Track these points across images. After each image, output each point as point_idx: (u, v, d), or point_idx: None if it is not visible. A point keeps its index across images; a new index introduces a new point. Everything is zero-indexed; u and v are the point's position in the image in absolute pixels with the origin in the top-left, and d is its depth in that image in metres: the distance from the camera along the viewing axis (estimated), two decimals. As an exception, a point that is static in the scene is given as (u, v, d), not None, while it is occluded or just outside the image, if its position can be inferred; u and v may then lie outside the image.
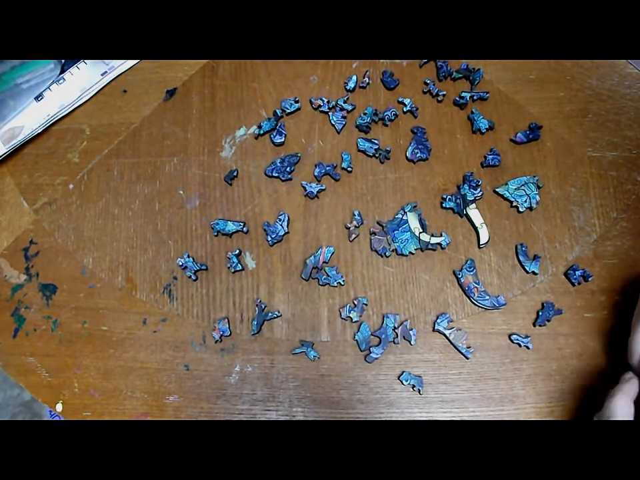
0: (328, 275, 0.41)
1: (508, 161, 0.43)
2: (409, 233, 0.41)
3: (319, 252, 0.41)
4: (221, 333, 0.40)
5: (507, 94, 0.45)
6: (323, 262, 0.41)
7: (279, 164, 0.44)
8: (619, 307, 0.39)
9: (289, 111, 0.45)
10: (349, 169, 0.43)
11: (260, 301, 0.41)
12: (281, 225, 0.42)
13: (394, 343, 0.39)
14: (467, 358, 0.39)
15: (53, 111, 0.47)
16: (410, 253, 0.41)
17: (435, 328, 0.40)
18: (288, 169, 0.43)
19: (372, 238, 0.42)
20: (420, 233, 0.41)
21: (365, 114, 0.44)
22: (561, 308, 0.40)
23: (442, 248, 0.41)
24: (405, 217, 0.42)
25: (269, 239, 0.42)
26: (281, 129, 0.45)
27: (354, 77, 0.45)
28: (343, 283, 0.41)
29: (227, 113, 0.46)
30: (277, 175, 0.44)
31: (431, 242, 0.41)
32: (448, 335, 0.39)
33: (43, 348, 0.42)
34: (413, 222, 0.42)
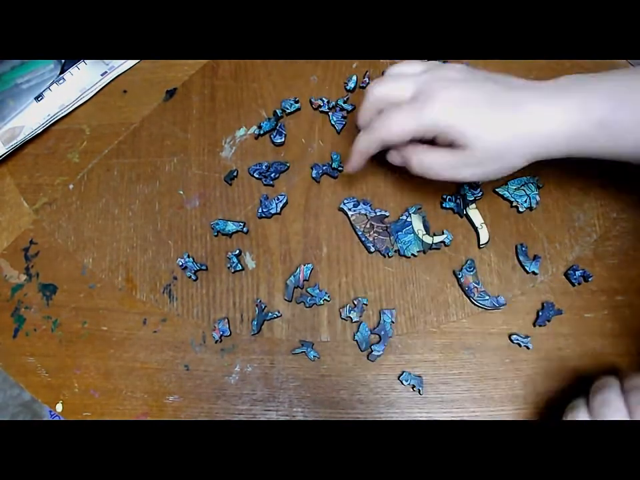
0: (312, 296, 0.41)
1: (508, 161, 0.43)
2: (412, 235, 0.41)
3: (298, 271, 0.41)
4: (221, 333, 0.40)
5: (507, 94, 0.45)
6: (304, 280, 0.41)
7: (264, 167, 0.44)
8: (619, 307, 0.39)
9: (289, 111, 0.45)
10: (340, 168, 0.43)
11: (260, 301, 0.41)
12: (276, 204, 0.42)
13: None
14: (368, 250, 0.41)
15: (53, 111, 0.47)
16: (412, 255, 0.41)
17: (340, 207, 0.42)
18: (272, 175, 0.43)
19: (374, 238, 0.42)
20: (423, 235, 0.41)
21: (365, 114, 0.44)
22: (560, 308, 0.40)
23: (445, 245, 0.41)
24: (409, 219, 0.42)
25: (260, 210, 0.42)
26: (280, 129, 0.45)
27: (354, 77, 0.45)
28: (329, 299, 0.41)
29: (227, 113, 0.46)
30: (258, 177, 0.44)
31: (435, 241, 0.41)
32: (350, 217, 0.42)
33: (43, 348, 0.42)
34: (417, 224, 0.42)
